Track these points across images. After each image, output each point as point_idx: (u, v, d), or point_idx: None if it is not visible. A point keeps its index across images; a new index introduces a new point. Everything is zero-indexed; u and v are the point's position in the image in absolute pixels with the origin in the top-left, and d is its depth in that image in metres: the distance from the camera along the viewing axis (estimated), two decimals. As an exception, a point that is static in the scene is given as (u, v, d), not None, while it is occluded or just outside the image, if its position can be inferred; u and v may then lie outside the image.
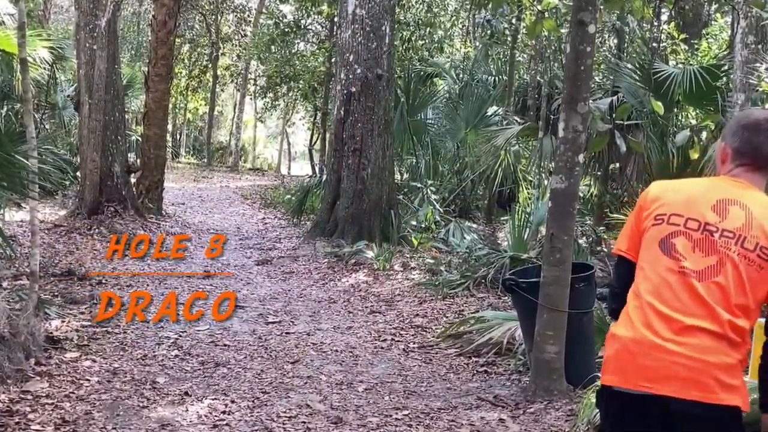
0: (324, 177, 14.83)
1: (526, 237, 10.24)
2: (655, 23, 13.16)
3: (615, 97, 11.28)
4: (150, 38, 16.57)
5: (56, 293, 8.23)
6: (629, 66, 11.87)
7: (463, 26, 23.46)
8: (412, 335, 7.77)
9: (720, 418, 2.32)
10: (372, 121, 12.75)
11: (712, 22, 16.06)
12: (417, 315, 8.53)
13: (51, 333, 6.61)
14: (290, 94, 32.28)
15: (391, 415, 5.38)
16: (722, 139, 2.64)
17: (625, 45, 13.45)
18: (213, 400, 5.48)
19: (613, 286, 2.76)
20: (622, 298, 2.57)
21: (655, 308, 2.41)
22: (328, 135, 21.54)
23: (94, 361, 6.18)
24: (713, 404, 2.31)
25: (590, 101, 5.92)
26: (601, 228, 11.15)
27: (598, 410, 2.73)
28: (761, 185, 2.56)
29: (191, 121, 41.42)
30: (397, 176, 16.35)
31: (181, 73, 33.23)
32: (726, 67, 10.93)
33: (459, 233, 12.70)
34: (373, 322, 8.29)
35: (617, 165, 11.66)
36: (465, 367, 6.70)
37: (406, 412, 5.44)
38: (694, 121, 11.57)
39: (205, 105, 36.57)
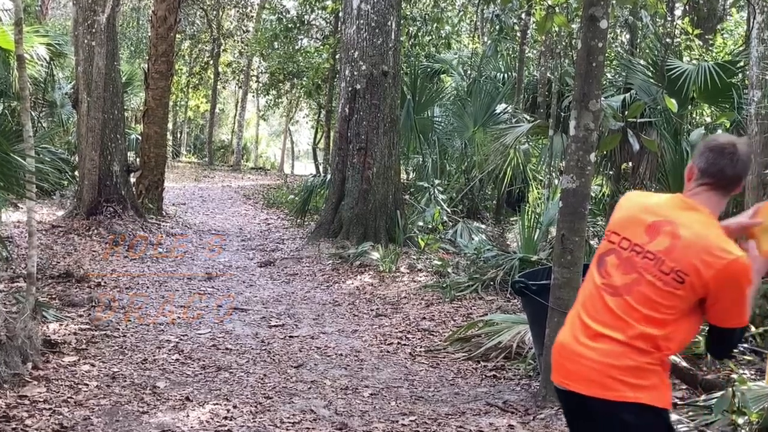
0: (328, 176, 14.85)
1: (536, 238, 10.23)
2: (669, 18, 13.15)
3: (627, 95, 11.26)
4: (150, 34, 16.59)
5: (54, 296, 8.24)
6: (642, 62, 11.86)
7: (471, 21, 23.44)
8: (419, 339, 7.77)
9: (623, 412, 2.71)
10: (377, 119, 12.75)
11: (728, 17, 16.04)
12: (424, 318, 8.53)
13: (49, 336, 6.62)
14: (293, 92, 32.34)
15: (397, 421, 5.38)
16: (692, 159, 2.97)
17: (638, 41, 13.45)
18: (215, 405, 5.49)
19: None
20: None
21: (581, 317, 2.88)
22: (332, 133, 21.54)
23: (93, 365, 6.19)
24: (614, 401, 2.71)
25: (602, 99, 5.91)
26: (613, 229, 11.10)
27: None
28: (717, 204, 2.87)
29: (192, 119, 41.51)
30: (404, 176, 16.36)
31: (181, 70, 33.29)
32: (742, 64, 10.91)
33: (467, 234, 12.70)
34: (378, 325, 8.29)
35: (630, 164, 11.62)
36: (473, 372, 6.70)
37: (412, 418, 5.44)
38: (709, 119, 11.56)
39: (207, 102, 36.63)
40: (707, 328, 2.86)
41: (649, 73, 11.37)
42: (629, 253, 2.84)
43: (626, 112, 10.52)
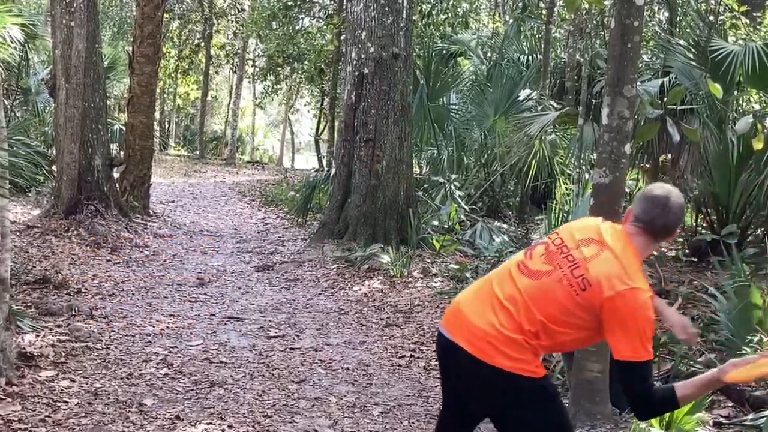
0: (332, 171, 14.84)
1: (564, 239, 10.19)
2: (712, -7, 13.10)
3: (666, 79, 11.23)
4: (135, 14, 16.63)
5: (30, 303, 8.27)
6: (682, 43, 11.82)
7: (491, -2, 23.45)
8: (434, 351, 7.76)
9: (496, 377, 3.30)
10: (387, 107, 12.75)
11: (778, -8, 15.96)
12: (439, 328, 8.51)
13: (24, 349, 6.64)
14: (294, 77, 32.34)
15: (410, 443, 5.38)
16: (633, 204, 3.58)
17: (678, 19, 13.40)
18: (208, 424, 5.50)
19: None
20: None
21: (492, 287, 3.47)
22: (336, 123, 21.56)
23: (73, 380, 6.21)
24: (489, 364, 3.30)
25: (638, 83, 5.90)
26: (651, 228, 11.07)
27: None
28: (645, 245, 3.48)
29: (182, 107, 41.59)
30: (416, 170, 16.37)
31: (169, 53, 33.33)
32: (794, 44, 10.85)
33: (487, 235, 12.69)
34: (389, 336, 8.29)
35: (669, 156, 11.59)
36: (495, 388, 6.68)
37: (427, 439, 5.44)
38: (757, 106, 11.51)
39: (198, 89, 36.68)
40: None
41: (691, 55, 11.33)
42: (556, 249, 3.45)
43: (665, 99, 10.50)
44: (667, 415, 5.13)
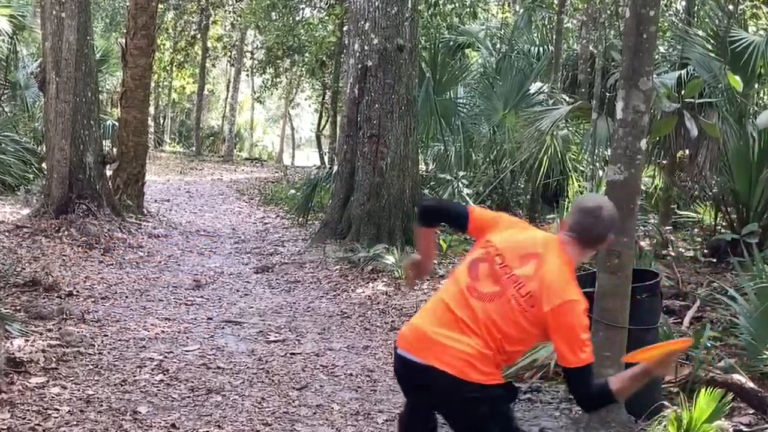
0: (334, 168, 14.85)
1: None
2: (732, -18, 13.09)
3: (684, 71, 11.22)
4: (128, 4, 16.64)
5: (19, 307, 8.27)
6: (701, 33, 11.81)
7: (500, -13, 23.45)
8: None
9: (465, 388, 3.60)
10: (392, 101, 12.75)
11: (801, -20, 15.94)
12: (447, 332, 8.51)
13: (13, 354, 6.64)
14: (294, 70, 32.41)
15: (416, 452, 5.37)
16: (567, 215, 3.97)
17: (696, 8, 13.38)
18: (205, 433, 5.50)
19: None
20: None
21: (449, 308, 3.72)
22: (339, 118, 21.56)
23: (64, 387, 6.21)
24: (460, 378, 3.58)
25: (654, 76, 5.89)
26: (668, 228, 11.09)
27: None
28: (579, 254, 3.84)
29: (177, 102, 41.66)
30: (422, 167, 16.35)
31: (164, 45, 33.38)
32: (818, 34, 10.84)
33: (496, 234, 12.67)
34: (394, 340, 8.29)
35: (686, 152, 11.58)
36: (505, 395, 6.68)
37: (434, 448, 5.43)
38: (778, 99, 11.49)
39: (194, 83, 36.77)
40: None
41: (709, 46, 11.32)
42: (500, 268, 3.72)
43: (682, 92, 10.49)
44: (685, 422, 5.13)
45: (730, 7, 12.26)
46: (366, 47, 12.77)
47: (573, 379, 3.63)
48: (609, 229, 3.85)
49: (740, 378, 5.82)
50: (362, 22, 12.80)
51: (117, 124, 17.21)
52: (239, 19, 31.78)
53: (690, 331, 7.17)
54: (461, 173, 14.31)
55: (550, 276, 3.64)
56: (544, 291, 3.60)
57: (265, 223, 16.65)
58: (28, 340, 7.18)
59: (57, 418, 5.57)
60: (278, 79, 32.80)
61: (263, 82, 33.47)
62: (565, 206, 10.97)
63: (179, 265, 11.82)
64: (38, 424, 5.42)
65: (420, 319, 3.84)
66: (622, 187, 5.65)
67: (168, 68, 34.95)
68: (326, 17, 25.55)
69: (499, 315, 3.63)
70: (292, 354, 7.62)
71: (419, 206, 4.67)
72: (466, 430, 3.79)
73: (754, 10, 12.22)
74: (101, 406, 5.87)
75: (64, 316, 8.15)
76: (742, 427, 5.49)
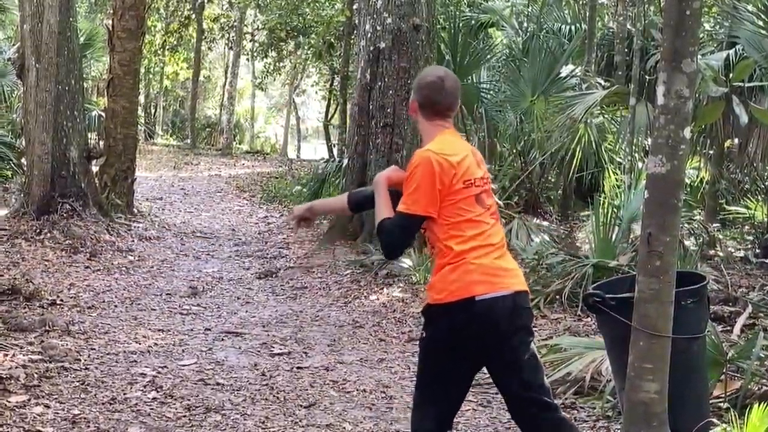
0: (344, 161, 14.87)
1: (614, 238, 10.19)
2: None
3: (732, 51, 11.19)
4: (115, -18, 16.68)
5: (-3, 318, 8.31)
6: (750, 8, 11.77)
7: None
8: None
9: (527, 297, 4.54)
10: (407, 87, 12.75)
11: None
12: (470, 343, 8.51)
13: (-9, 370, 6.67)
14: (299, 53, 32.39)
15: (437, 476, 5.37)
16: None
17: (745, -20, 13.32)
18: (203, 456, 5.52)
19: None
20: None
21: (490, 242, 4.43)
22: (349, 106, 21.57)
23: (48, 406, 6.23)
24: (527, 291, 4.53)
25: (699, 57, 5.87)
26: (715, 225, 11.07)
27: None
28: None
29: (170, 89, 41.73)
30: (442, 159, 16.32)
31: (155, 27, 33.44)
32: None
33: (524, 234, 12.67)
34: (412, 352, 8.28)
35: (735, 141, 11.57)
36: (535, 412, 6.67)
37: (457, 472, 5.44)
38: (838, 81, 11.44)
39: (188, 69, 36.81)
40: None
41: (761, 23, 11.28)
42: (485, 185, 4.50)
43: (730, 75, 10.46)
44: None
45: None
46: (378, 27, 12.77)
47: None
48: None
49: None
50: (374, 0, 12.80)
51: (103, 114, 17.26)
52: (238, -3, 31.84)
53: (741, 340, 7.15)
54: (485, 166, 14.29)
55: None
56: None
57: (268, 223, 16.68)
58: (7, 355, 7.21)
59: (40, 440, 5.59)
60: (281, 64, 32.86)
61: (265, 66, 33.52)
62: (601, 202, 10.93)
63: (173, 270, 11.85)
64: (19, 447, 5.44)
65: (484, 259, 4.37)
66: (664, 181, 5.63)
67: (159, 52, 34.98)
68: (334, -6, 25.57)
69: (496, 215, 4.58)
70: (298, 368, 7.63)
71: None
72: (527, 354, 4.36)
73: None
74: (88, 427, 5.90)
75: (47, 328, 8.17)
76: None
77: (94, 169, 14.92)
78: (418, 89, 4.53)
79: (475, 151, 4.61)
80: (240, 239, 14.68)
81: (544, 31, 17.30)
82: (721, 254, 10.37)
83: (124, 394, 6.64)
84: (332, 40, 25.88)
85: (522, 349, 4.38)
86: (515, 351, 4.36)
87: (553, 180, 16.62)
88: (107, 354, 7.67)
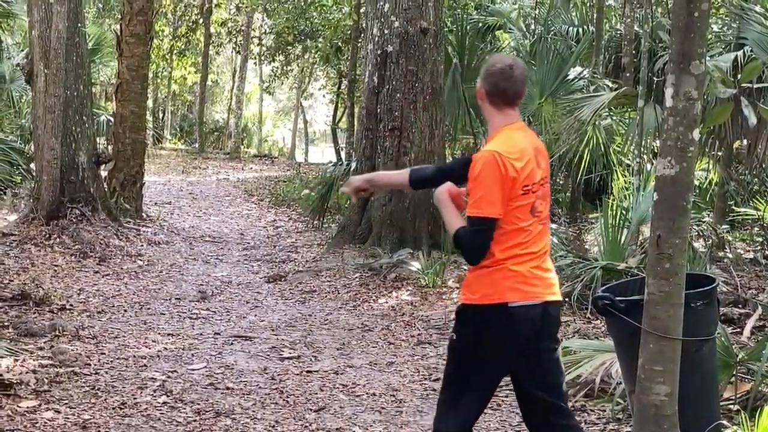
0: (352, 165, 14.86)
1: (623, 241, 10.17)
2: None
3: (740, 52, 11.17)
4: (122, -13, 16.71)
5: (7, 323, 8.32)
6: (758, 9, 11.75)
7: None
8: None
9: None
10: (415, 91, 12.75)
11: None
12: (479, 346, 8.50)
13: (1, 375, 6.68)
14: (306, 57, 32.42)
15: (447, 480, 5.36)
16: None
17: (753, -19, 13.31)
18: (213, 460, 5.52)
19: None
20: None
21: (532, 250, 4.47)
22: (357, 109, 21.59)
23: (58, 411, 6.24)
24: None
25: (707, 58, 5.87)
26: (724, 226, 11.04)
27: None
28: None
29: (178, 94, 41.76)
30: (450, 162, 16.30)
31: (163, 31, 33.49)
32: None
33: (533, 237, 12.65)
34: (421, 355, 8.29)
35: (744, 142, 11.54)
36: (545, 415, 6.66)
37: (467, 475, 5.42)
38: None
39: (196, 73, 36.85)
40: None
41: (769, 24, 11.27)
42: (541, 188, 4.48)
43: (739, 76, 10.44)
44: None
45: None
46: (386, 31, 12.77)
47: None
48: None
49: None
50: (381, 3, 12.81)
51: (112, 119, 17.28)
52: (245, 1, 31.85)
53: (751, 342, 7.14)
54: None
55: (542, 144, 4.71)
56: (545, 160, 4.61)
57: (277, 227, 16.68)
58: (17, 360, 7.22)
59: (50, 445, 5.60)
60: (289, 68, 32.84)
61: (272, 70, 33.51)
62: (610, 204, 10.92)
63: (182, 274, 11.85)
64: (30, 453, 5.45)
65: (523, 266, 4.42)
66: (673, 183, 5.62)
67: (167, 57, 35.06)
68: (342, -2, 25.58)
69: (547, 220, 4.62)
70: (308, 372, 7.63)
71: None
72: (550, 361, 4.52)
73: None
74: (98, 431, 5.90)
75: (57, 333, 8.18)
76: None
77: (103, 173, 14.94)
78: (487, 77, 4.48)
79: (538, 147, 4.57)
80: (248, 243, 14.68)
81: (552, 33, 17.28)
82: (730, 256, 10.35)
83: (134, 398, 6.64)
84: (339, 43, 25.87)
85: (544, 357, 4.48)
86: (538, 357, 4.45)
87: (561, 182, 16.61)
88: (117, 359, 7.68)
